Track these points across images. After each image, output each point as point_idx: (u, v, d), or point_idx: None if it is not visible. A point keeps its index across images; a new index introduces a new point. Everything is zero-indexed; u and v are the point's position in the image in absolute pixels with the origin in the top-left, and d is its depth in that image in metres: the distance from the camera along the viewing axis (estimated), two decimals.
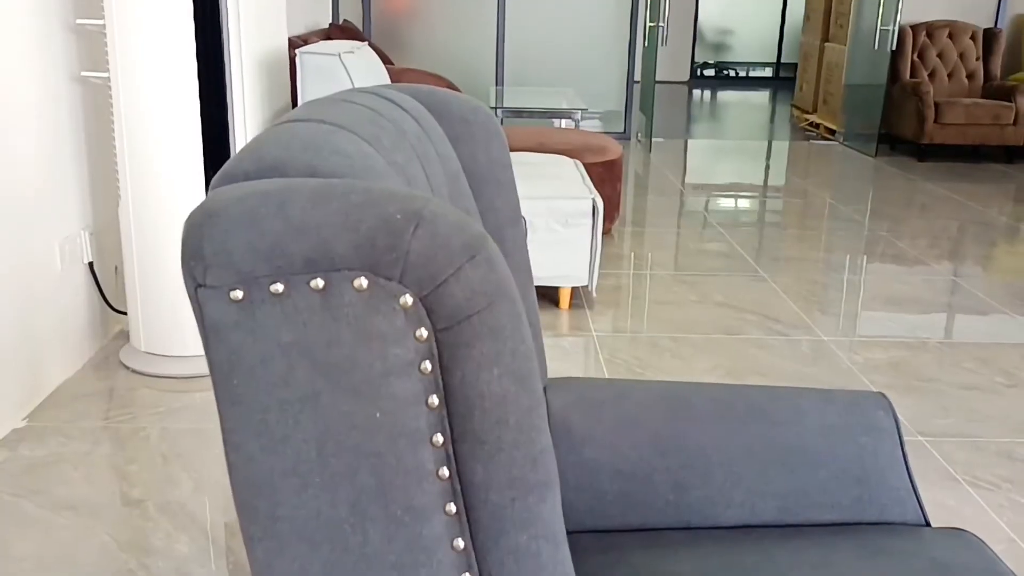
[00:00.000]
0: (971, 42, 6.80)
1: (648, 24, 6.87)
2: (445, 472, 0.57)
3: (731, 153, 6.95)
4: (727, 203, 5.20)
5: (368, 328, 0.54)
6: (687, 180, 5.80)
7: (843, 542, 1.11)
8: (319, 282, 0.53)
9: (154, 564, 1.79)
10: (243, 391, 0.54)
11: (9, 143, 2.32)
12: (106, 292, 2.84)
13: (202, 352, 2.67)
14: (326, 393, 0.54)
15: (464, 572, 0.59)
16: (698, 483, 1.16)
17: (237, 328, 0.53)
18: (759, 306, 3.40)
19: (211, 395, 2.51)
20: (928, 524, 1.18)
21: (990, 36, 6.82)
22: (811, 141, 7.52)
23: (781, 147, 7.30)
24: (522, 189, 3.15)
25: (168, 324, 2.65)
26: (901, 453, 1.17)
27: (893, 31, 6.52)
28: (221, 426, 0.56)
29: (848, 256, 4.11)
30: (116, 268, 2.93)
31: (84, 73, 2.64)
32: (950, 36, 6.83)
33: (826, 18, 8.13)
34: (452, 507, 0.58)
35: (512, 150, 4.21)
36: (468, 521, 0.58)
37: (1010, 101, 6.38)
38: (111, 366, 2.69)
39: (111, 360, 2.73)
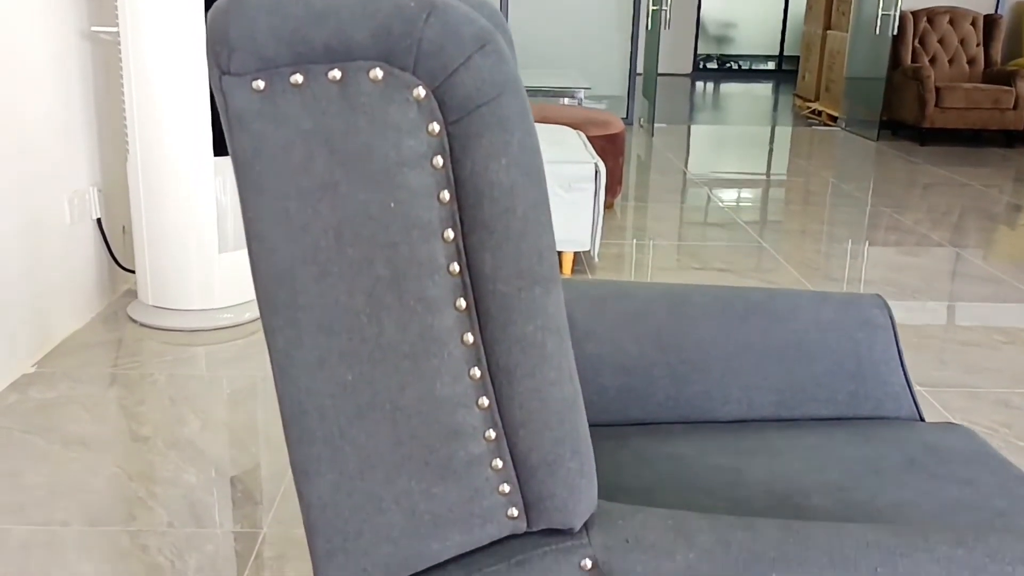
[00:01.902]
0: (972, 28, 6.82)
1: (651, 8, 6.89)
2: (455, 267, 0.60)
3: (733, 138, 6.98)
4: (730, 181, 5.23)
5: (383, 118, 0.57)
6: (689, 161, 5.82)
7: (838, 431, 1.14)
8: (336, 73, 0.56)
9: (163, 492, 1.82)
10: (265, 179, 0.57)
11: (19, 97, 2.35)
12: (115, 251, 2.87)
13: (207, 307, 2.70)
14: (344, 182, 0.57)
15: (473, 366, 0.62)
16: (697, 378, 1.19)
17: (260, 116, 0.56)
18: (760, 272, 3.43)
19: (219, 347, 2.55)
20: (922, 419, 1.20)
21: (990, 22, 6.84)
22: (813, 127, 7.54)
23: (783, 133, 7.33)
24: None
25: (175, 279, 2.68)
26: (896, 350, 1.19)
27: (894, 17, 6.55)
28: (243, 216, 0.59)
29: (849, 228, 4.14)
30: (124, 228, 2.96)
31: (94, 28, 2.67)
32: (951, 22, 6.85)
33: (828, 6, 8.16)
34: (462, 302, 0.61)
35: None
36: (477, 314, 0.61)
37: (1010, 86, 6.40)
38: (119, 320, 2.73)
39: (119, 315, 2.76)
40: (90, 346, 2.53)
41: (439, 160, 0.58)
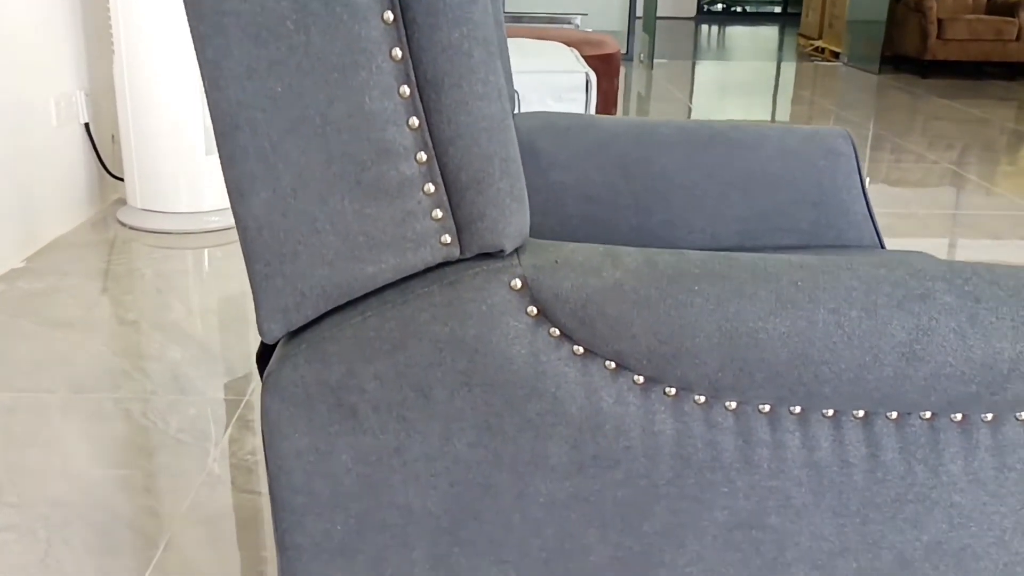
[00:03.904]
0: None
1: None
2: None
3: (733, 74, 6.92)
4: (732, 107, 5.20)
5: None
6: (687, 93, 5.79)
7: (801, 253, 1.15)
8: None
9: (148, 367, 1.84)
10: None
11: None
12: (104, 158, 2.88)
13: (196, 209, 2.71)
14: None
15: (403, 84, 0.62)
16: (662, 207, 1.19)
17: None
18: None
19: (207, 248, 2.56)
20: (883, 247, 1.21)
21: None
22: (816, 63, 7.48)
23: (784, 68, 7.26)
24: (515, 64, 3.17)
25: (163, 182, 2.69)
26: (859, 179, 1.20)
27: None
28: None
29: (861, 148, 4.12)
30: (113, 136, 2.96)
31: None
32: None
33: None
34: (389, 15, 0.61)
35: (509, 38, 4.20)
36: (404, 25, 0.61)
37: (1013, 17, 6.33)
38: (109, 224, 2.74)
39: (109, 219, 2.78)
40: (79, 246, 2.54)
41: None
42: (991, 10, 6.60)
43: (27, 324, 2.02)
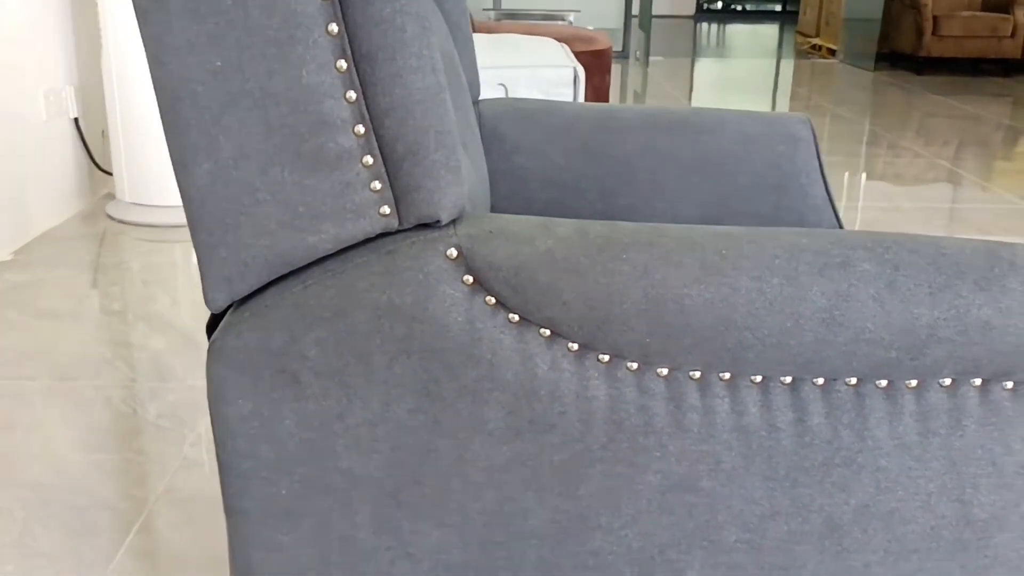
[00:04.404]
0: None
1: None
2: None
3: (730, 70, 6.94)
4: (726, 104, 5.22)
5: None
6: (682, 91, 5.80)
7: None
8: None
9: (130, 355, 1.86)
10: None
11: None
12: (94, 153, 2.90)
13: None
14: None
15: (340, 58, 0.64)
16: (624, 191, 1.22)
17: None
18: None
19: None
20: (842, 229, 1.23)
21: None
22: (812, 61, 7.49)
23: (781, 66, 7.28)
24: (503, 59, 3.19)
25: (151, 175, 2.71)
26: (818, 163, 1.22)
27: None
28: None
29: (844, 143, 4.14)
30: (103, 132, 2.99)
31: None
32: None
33: None
34: None
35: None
36: (340, 1, 0.64)
37: (1008, 13, 6.34)
38: (98, 218, 2.76)
39: (98, 213, 2.80)
40: (67, 239, 2.57)
41: None
42: (986, 7, 6.61)
43: (13, 315, 2.04)
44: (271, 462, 0.72)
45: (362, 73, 0.65)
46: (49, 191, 2.66)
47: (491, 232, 0.68)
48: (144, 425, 1.59)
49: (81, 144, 2.83)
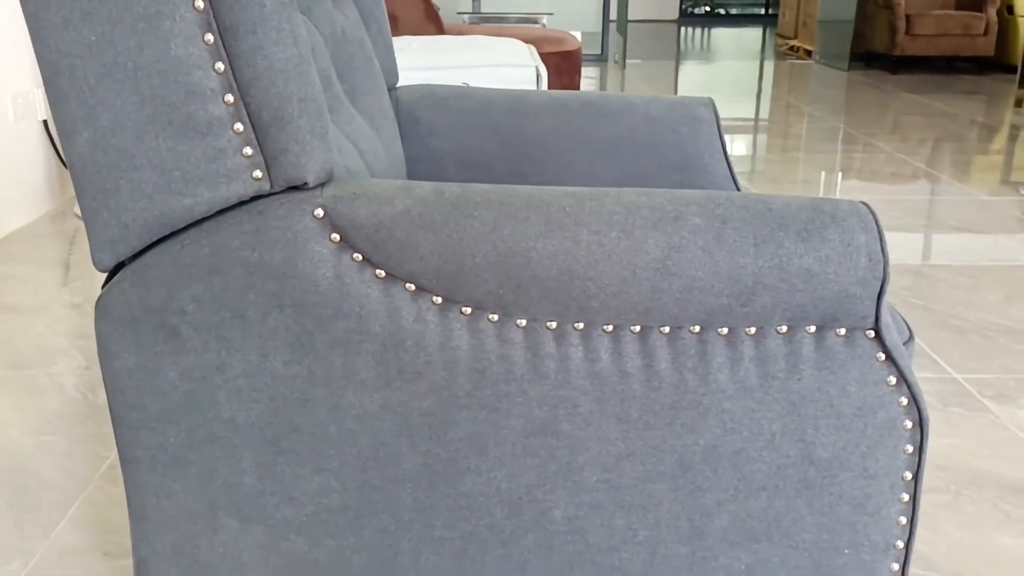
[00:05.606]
0: None
1: None
2: None
3: (707, 72, 7.01)
4: None
5: None
6: (657, 91, 5.87)
7: None
8: None
9: (85, 344, 1.91)
10: None
11: None
12: (63, 155, 2.95)
13: None
14: None
15: (207, 32, 0.70)
16: (535, 172, 1.27)
17: None
18: None
19: None
20: None
21: None
22: (789, 62, 7.57)
23: (758, 68, 7.35)
24: (467, 58, 3.25)
25: None
26: (720, 143, 1.27)
27: None
28: None
29: (818, 142, 4.20)
30: None
31: None
32: None
33: None
34: None
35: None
36: None
37: (981, 12, 6.42)
38: (67, 218, 2.81)
39: (67, 213, 2.85)
40: (36, 237, 2.62)
41: None
42: (959, 5, 6.69)
43: None
44: (157, 413, 0.77)
45: (228, 45, 0.70)
46: (18, 191, 2.71)
47: (355, 193, 0.73)
48: (93, 410, 1.64)
49: (50, 145, 2.88)
